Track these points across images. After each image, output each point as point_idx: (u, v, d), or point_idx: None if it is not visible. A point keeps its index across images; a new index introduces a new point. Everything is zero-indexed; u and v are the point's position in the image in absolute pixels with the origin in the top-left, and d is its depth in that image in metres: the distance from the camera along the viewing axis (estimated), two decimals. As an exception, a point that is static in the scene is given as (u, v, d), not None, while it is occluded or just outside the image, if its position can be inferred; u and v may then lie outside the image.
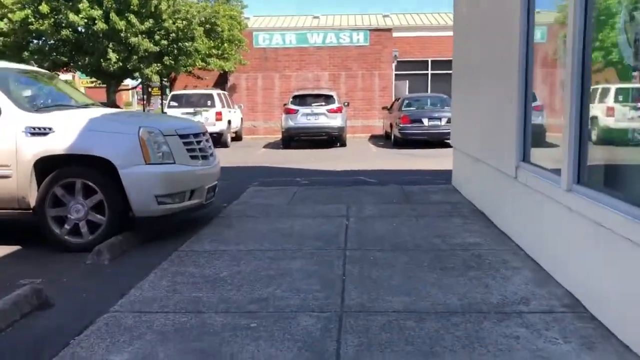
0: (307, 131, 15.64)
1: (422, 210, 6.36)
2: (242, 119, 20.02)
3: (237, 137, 19.43)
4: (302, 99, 16.07)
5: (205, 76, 22.24)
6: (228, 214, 6.38)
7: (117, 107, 19.32)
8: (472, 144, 6.71)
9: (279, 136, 19.89)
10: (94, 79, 21.36)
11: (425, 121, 15.01)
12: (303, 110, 15.56)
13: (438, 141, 15.66)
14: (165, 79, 24.55)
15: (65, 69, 18.74)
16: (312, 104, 15.77)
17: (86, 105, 5.93)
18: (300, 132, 15.68)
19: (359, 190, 7.83)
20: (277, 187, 8.35)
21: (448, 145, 15.83)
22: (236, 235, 5.27)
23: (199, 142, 5.48)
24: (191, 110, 16.01)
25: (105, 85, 20.39)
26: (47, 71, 6.33)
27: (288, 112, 15.72)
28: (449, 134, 15.21)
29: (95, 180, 4.79)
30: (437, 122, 15.06)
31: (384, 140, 18.30)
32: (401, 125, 15.11)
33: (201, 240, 5.10)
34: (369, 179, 9.25)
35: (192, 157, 5.29)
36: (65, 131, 4.76)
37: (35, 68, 6.04)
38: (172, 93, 17.28)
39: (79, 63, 17.80)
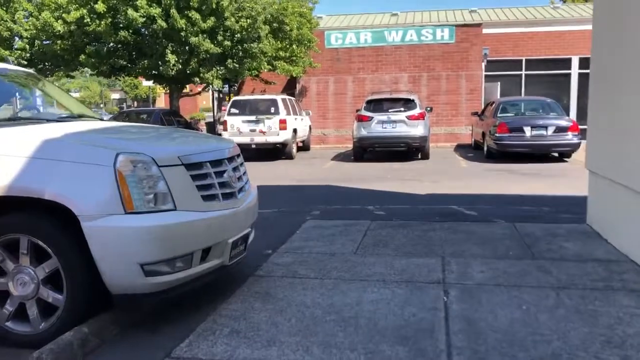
0: (383, 141, 13.63)
1: (561, 276, 4.20)
2: (310, 126, 18.32)
3: (305, 147, 17.72)
4: (377, 104, 14.08)
5: (274, 80, 20.76)
6: (269, 270, 4.52)
7: (179, 116, 18.21)
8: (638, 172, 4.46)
9: (350, 146, 18.02)
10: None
11: (528, 130, 12.55)
12: (378, 117, 13.56)
13: (543, 154, 13.15)
14: (233, 84, 23.39)
15: (125, 73, 17.84)
16: (389, 110, 13.74)
17: (73, 118, 4.29)
18: (374, 142, 13.69)
19: (456, 231, 5.73)
20: (342, 220, 6.42)
21: (555, 159, 13.38)
22: (272, 322, 3.40)
23: (221, 173, 3.67)
24: (253, 117, 14.46)
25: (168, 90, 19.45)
26: (29, 71, 4.68)
27: (360, 119, 13.79)
28: (556, 145, 12.85)
29: (48, 238, 3.08)
30: (542, 132, 12.56)
31: (474, 151, 15.91)
32: (497, 135, 12.74)
33: (215, 331, 3.27)
34: (466, 209, 7.10)
35: (207, 198, 3.48)
36: (8, 160, 3.08)
37: (11, 66, 4.43)
38: (233, 99, 15.85)
39: (138, 67, 16.79)
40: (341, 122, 20.38)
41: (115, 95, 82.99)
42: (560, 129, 12.50)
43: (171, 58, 15.55)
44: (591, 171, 5.87)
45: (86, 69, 18.57)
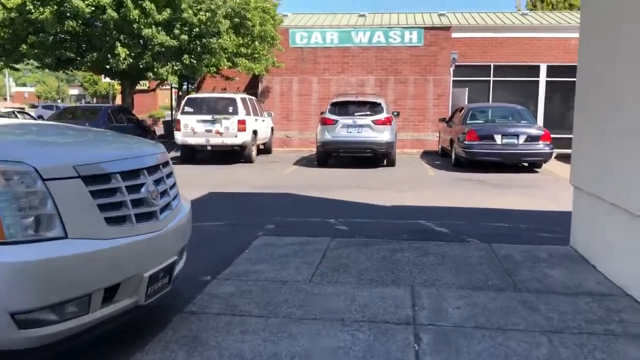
0: (348, 146, 12.96)
1: (551, 314, 3.58)
2: (272, 128, 17.53)
3: (266, 150, 16.92)
4: (342, 107, 13.42)
5: (236, 77, 19.88)
6: (204, 305, 3.76)
7: (130, 114, 17.14)
8: (635, 190, 3.89)
9: (315, 150, 17.33)
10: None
11: (498, 138, 12.10)
12: (343, 120, 12.90)
13: (513, 164, 12.74)
14: (192, 81, 22.40)
15: (73, 67, 16.65)
16: (355, 114, 13.10)
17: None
18: (339, 147, 13.01)
19: (426, 253, 5.08)
20: (299, 237, 5.70)
21: (525, 169, 12.89)
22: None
23: (136, 188, 2.90)
24: (209, 117, 13.58)
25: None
26: None
27: (325, 122, 13.10)
28: (527, 154, 12.38)
29: None
30: (514, 140, 12.13)
31: (441, 158, 15.43)
32: (467, 143, 12.25)
33: (117, 399, 2.50)
34: (436, 225, 6.47)
35: (114, 220, 2.71)
36: None
37: None
38: (188, 97, 14.91)
39: (87, 60, 15.68)
40: (305, 124, 19.67)
41: (74, 91, 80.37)
42: (532, 138, 12.11)
43: (121, 51, 14.53)
44: (576, 187, 5.32)
45: (31, 61, 17.31)
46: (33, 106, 44.21)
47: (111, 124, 14.44)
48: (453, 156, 13.37)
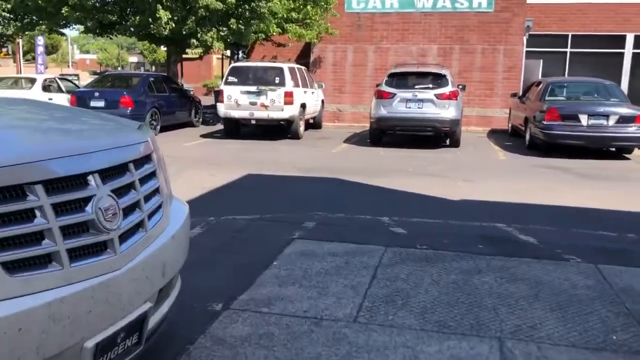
0: (407, 123, 11.62)
1: None
2: (323, 101, 16.31)
3: (315, 125, 15.77)
4: (401, 79, 12.04)
5: (289, 43, 18.68)
6: (201, 358, 2.68)
7: (173, 82, 16.31)
8: None
9: (368, 125, 16.04)
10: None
11: (584, 119, 10.44)
12: (402, 94, 11.54)
13: (599, 149, 11.08)
14: (243, 49, 21.39)
15: (113, 31, 15.91)
16: (416, 86, 11.70)
17: None
18: (396, 124, 11.69)
19: (514, 277, 3.83)
20: (344, 244, 4.55)
21: (613, 155, 10.92)
22: None
23: (73, 206, 1.79)
24: (254, 88, 12.51)
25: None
26: None
27: (381, 95, 11.79)
28: (618, 139, 10.43)
29: None
30: (602, 121, 10.45)
31: (511, 139, 13.83)
32: (545, 123, 10.66)
33: None
34: (519, 231, 5.16)
35: (20, 265, 1.61)
36: None
37: None
38: (232, 65, 13.87)
39: (128, 24, 14.89)
40: (359, 97, 18.32)
41: (133, 59, 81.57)
42: (624, 119, 10.39)
43: (163, 15, 13.59)
44: None
45: (78, 26, 16.70)
46: (95, 73, 44.57)
47: (151, 92, 13.62)
48: (527, 137, 11.79)
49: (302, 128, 13.42)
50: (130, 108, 12.59)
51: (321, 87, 15.88)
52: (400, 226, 5.27)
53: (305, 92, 13.71)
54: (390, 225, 5.31)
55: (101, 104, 12.64)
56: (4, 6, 16.36)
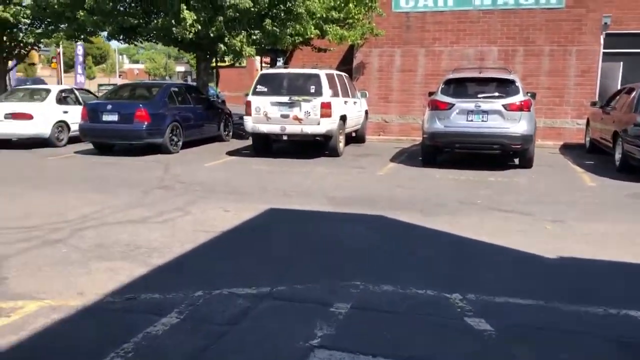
0: (468, 140, 9.71)
1: None
2: (366, 112, 14.55)
3: (358, 139, 14.03)
4: (461, 86, 10.17)
5: (332, 48, 17.02)
6: None
7: (198, 92, 14.89)
8: None
9: (418, 138, 14.16)
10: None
11: (698, 135, 8.28)
12: (462, 104, 9.67)
13: None
14: (280, 55, 19.86)
15: (136, 36, 14.64)
16: (479, 95, 9.81)
17: None
18: (454, 140, 9.79)
19: None
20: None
21: None
22: None
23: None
24: (285, 99, 10.88)
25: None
26: None
27: (436, 106, 9.94)
28: None
29: None
30: None
31: (592, 156, 11.71)
32: (646, 140, 8.56)
33: None
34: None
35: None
36: None
37: None
38: (261, 72, 12.27)
39: (150, 27, 13.55)
40: (407, 106, 16.46)
41: (180, 68, 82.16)
42: None
43: (187, 16, 12.16)
44: None
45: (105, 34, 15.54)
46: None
47: (172, 104, 12.18)
48: (618, 156, 9.68)
49: (342, 144, 11.69)
50: (146, 122, 11.17)
51: (365, 96, 14.12)
52: (482, 314, 3.47)
53: (345, 102, 11.99)
54: (465, 313, 3.51)
55: (114, 117, 11.27)
56: (22, 12, 15.37)
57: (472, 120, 9.59)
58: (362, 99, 13.94)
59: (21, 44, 17.55)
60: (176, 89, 12.95)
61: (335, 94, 11.36)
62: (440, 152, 10.40)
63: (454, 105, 9.70)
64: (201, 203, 6.96)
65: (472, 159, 10.56)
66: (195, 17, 12.52)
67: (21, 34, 16.36)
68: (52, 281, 4.16)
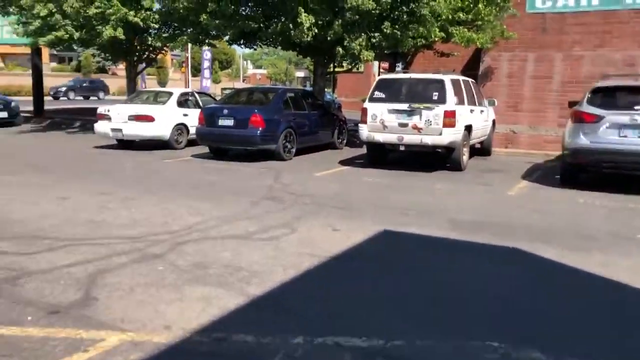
0: (620, 159, 8.32)
1: None
2: (494, 121, 13.34)
3: (483, 151, 12.90)
4: (612, 96, 8.79)
5: (456, 52, 16.02)
6: None
7: (313, 98, 14.55)
8: None
9: (552, 152, 12.72)
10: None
11: None
12: (614, 117, 8.31)
13: None
14: (401, 60, 19.11)
15: (255, 40, 14.61)
16: (635, 107, 8.37)
17: None
18: (603, 158, 8.44)
19: None
20: None
21: None
22: None
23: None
24: (404, 106, 10.11)
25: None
26: None
27: (580, 118, 8.65)
28: None
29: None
30: None
31: None
32: None
33: None
34: None
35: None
36: None
37: None
38: (379, 78, 11.56)
39: (269, 31, 13.43)
40: (540, 116, 14.95)
41: (300, 74, 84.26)
42: None
43: (305, 19, 11.83)
44: None
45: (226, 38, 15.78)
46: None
47: (287, 110, 11.90)
48: None
49: (465, 156, 10.69)
50: (260, 128, 10.95)
51: (493, 105, 12.93)
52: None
53: (471, 110, 10.97)
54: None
55: (230, 122, 11.17)
56: (151, 17, 16.02)
57: (625, 136, 8.20)
58: (490, 108, 12.77)
59: (150, 48, 18.39)
60: (292, 95, 12.67)
61: (461, 102, 10.40)
62: (584, 171, 9.06)
63: (603, 117, 8.37)
64: (309, 218, 6.43)
65: (623, 180, 9.10)
66: (313, 21, 12.15)
67: (150, 39, 17.10)
68: (140, 308, 3.77)
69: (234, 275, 4.47)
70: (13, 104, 18.65)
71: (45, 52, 47.07)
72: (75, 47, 19.81)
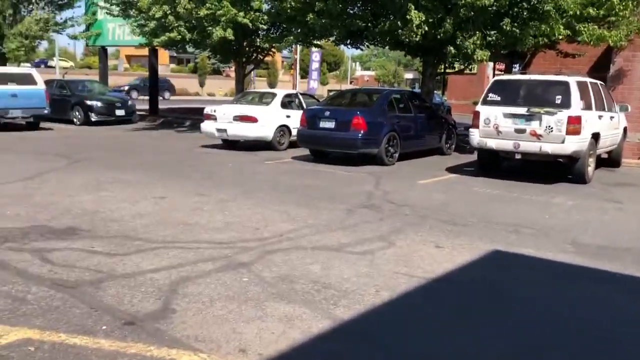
0: None
1: None
2: (625, 129, 11.94)
3: (611, 162, 11.61)
4: None
5: (583, 52, 14.66)
6: None
7: (420, 100, 13.93)
8: None
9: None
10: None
11: None
12: None
13: None
14: (518, 61, 17.89)
15: (362, 39, 14.22)
16: None
17: None
18: None
19: None
20: None
21: None
22: None
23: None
24: (522, 110, 9.24)
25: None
26: None
27: None
28: None
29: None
30: None
31: None
32: None
33: None
34: None
35: None
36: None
37: None
38: (494, 79, 10.65)
39: (376, 30, 12.98)
40: (681, 124, 13.19)
41: (409, 75, 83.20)
42: None
43: (415, 16, 11.25)
44: None
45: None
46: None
47: (392, 112, 11.40)
48: None
49: (591, 168, 9.60)
50: (362, 131, 10.55)
51: (625, 110, 11.56)
52: None
53: (600, 116, 9.84)
54: None
55: (331, 124, 10.88)
56: (260, 18, 16.19)
57: None
58: (621, 114, 11.44)
59: (258, 49, 18.66)
60: (397, 96, 12.16)
61: (588, 107, 9.34)
62: None
63: None
64: (409, 232, 5.92)
65: None
66: (423, 18, 11.54)
67: (258, 40, 17.32)
68: (217, 325, 3.50)
69: (321, 293, 4.09)
70: (130, 102, 19.77)
71: (165, 55, 50.11)
72: (191, 49, 20.62)
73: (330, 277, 4.44)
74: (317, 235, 5.68)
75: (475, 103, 10.48)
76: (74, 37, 23.66)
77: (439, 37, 11.91)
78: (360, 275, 4.51)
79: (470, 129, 9.96)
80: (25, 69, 17.73)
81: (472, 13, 11.52)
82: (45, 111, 16.05)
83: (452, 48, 12.11)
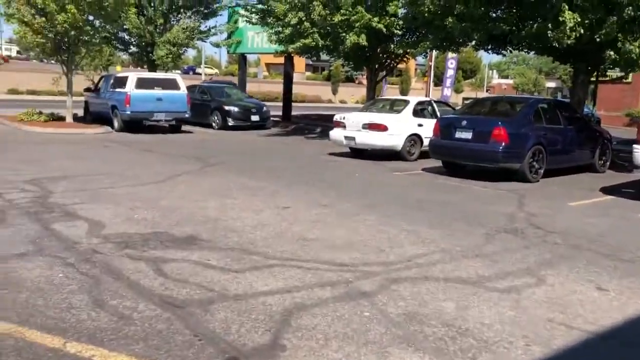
0: None
1: None
2: None
3: None
4: None
5: None
6: None
7: (569, 110, 12.48)
8: None
9: None
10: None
11: None
12: None
13: None
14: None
15: (505, 44, 13.00)
16: None
17: None
18: None
19: None
20: None
21: None
22: None
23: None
24: None
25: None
26: None
27: None
28: None
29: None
30: None
31: None
32: None
33: None
34: None
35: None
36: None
37: None
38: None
39: (522, 33, 11.76)
40: None
41: (551, 84, 77.98)
42: None
43: (569, 17, 9.96)
44: None
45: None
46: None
47: (538, 123, 10.21)
48: None
49: None
50: (504, 143, 9.52)
51: None
52: None
53: None
54: None
55: (468, 135, 9.97)
56: (395, 23, 15.56)
57: None
58: None
59: (392, 56, 18.04)
60: (544, 106, 10.91)
61: None
62: None
63: None
64: (562, 266, 4.96)
65: None
66: (578, 19, 10.20)
67: (392, 45, 16.71)
68: (330, 373, 2.95)
69: (456, 341, 3.38)
70: (264, 108, 20.13)
71: (302, 62, 51.28)
72: (325, 57, 20.56)
73: (467, 320, 3.71)
74: (450, 264, 4.94)
75: (629, 115, 8.99)
76: (217, 45, 24.73)
77: (597, 40, 10.46)
78: (504, 320, 3.73)
79: (635, 145, 8.53)
80: (169, 74, 18.72)
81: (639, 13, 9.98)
82: (187, 115, 16.77)
83: (612, 53, 10.59)
